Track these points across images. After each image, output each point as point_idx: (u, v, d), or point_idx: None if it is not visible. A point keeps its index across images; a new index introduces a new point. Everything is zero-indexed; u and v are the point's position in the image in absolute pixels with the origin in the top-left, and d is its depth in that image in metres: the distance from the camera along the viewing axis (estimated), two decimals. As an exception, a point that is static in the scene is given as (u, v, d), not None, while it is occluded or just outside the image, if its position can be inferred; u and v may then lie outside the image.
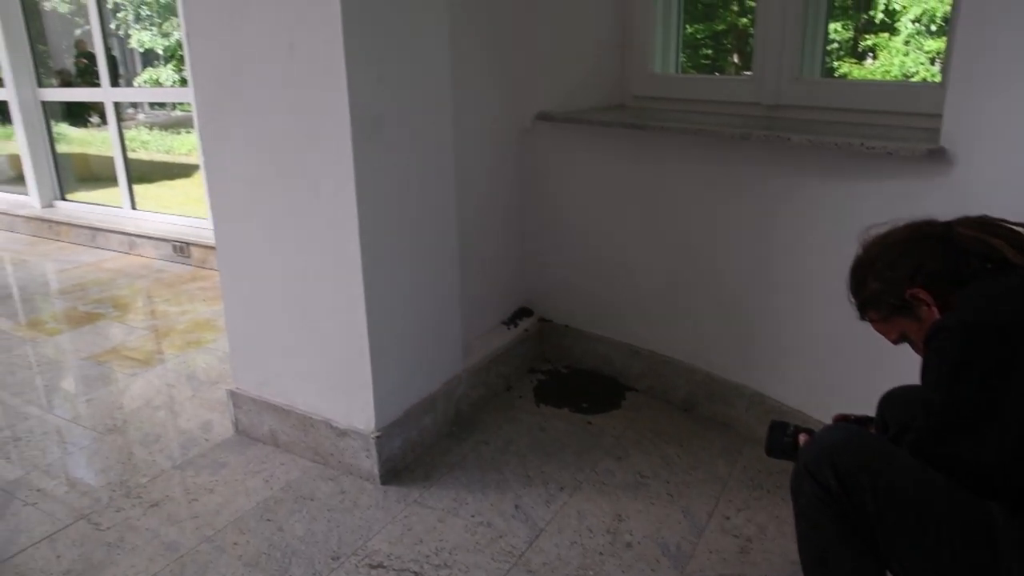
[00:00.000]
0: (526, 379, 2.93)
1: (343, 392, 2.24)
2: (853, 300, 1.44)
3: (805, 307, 2.24)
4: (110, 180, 5.41)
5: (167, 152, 7.32)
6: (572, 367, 3.01)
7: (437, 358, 2.47)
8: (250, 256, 2.31)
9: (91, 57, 5.28)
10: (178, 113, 7.12)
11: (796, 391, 2.33)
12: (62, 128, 6.03)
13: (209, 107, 2.23)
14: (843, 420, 1.60)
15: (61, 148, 5.89)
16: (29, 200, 5.81)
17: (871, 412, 1.63)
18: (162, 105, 7.75)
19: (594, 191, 2.77)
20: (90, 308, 3.91)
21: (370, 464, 2.23)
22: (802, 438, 1.51)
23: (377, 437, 2.21)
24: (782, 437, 1.55)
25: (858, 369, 2.07)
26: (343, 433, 2.26)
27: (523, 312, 3.04)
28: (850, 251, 1.45)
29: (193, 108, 4.55)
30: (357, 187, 1.97)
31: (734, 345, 2.50)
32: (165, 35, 8.20)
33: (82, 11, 6.45)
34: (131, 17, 7.80)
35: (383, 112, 2.04)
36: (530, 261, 3.01)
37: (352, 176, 1.95)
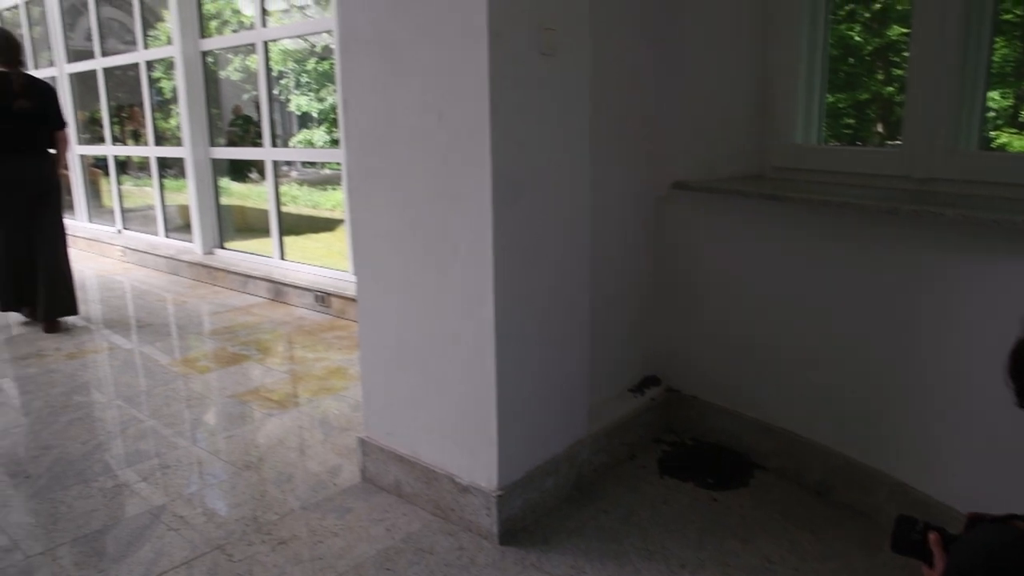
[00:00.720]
0: (650, 449, 2.87)
1: (468, 448, 2.27)
2: (1011, 385, 1.33)
3: (957, 393, 2.09)
4: (263, 231, 5.83)
5: (314, 207, 7.79)
6: (699, 440, 2.92)
7: (562, 421, 2.47)
8: (387, 309, 2.42)
9: (247, 120, 5.79)
10: (326, 171, 7.59)
11: (945, 484, 2.15)
12: (224, 182, 6.58)
13: (358, 167, 2.39)
14: (977, 519, 1.46)
15: (223, 200, 6.43)
16: (193, 247, 6.36)
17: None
18: (313, 164, 8.32)
19: (730, 262, 2.72)
20: (237, 350, 4.19)
21: (490, 522, 2.24)
22: (932, 536, 1.40)
23: (499, 496, 2.21)
24: (910, 533, 1.43)
25: (1018, 464, 1.90)
26: (465, 489, 2.29)
27: (650, 380, 2.99)
28: (1010, 334, 1.35)
29: (343, 167, 4.86)
30: (495, 249, 2.04)
31: (876, 429, 2.35)
32: (320, 100, 8.82)
33: (251, 79, 7.09)
34: (292, 84, 8.45)
35: (523, 178, 2.11)
36: (660, 329, 2.97)
37: (490, 238, 2.02)
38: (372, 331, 2.50)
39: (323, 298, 4.85)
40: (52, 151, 4.61)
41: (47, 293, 4.63)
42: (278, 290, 5.23)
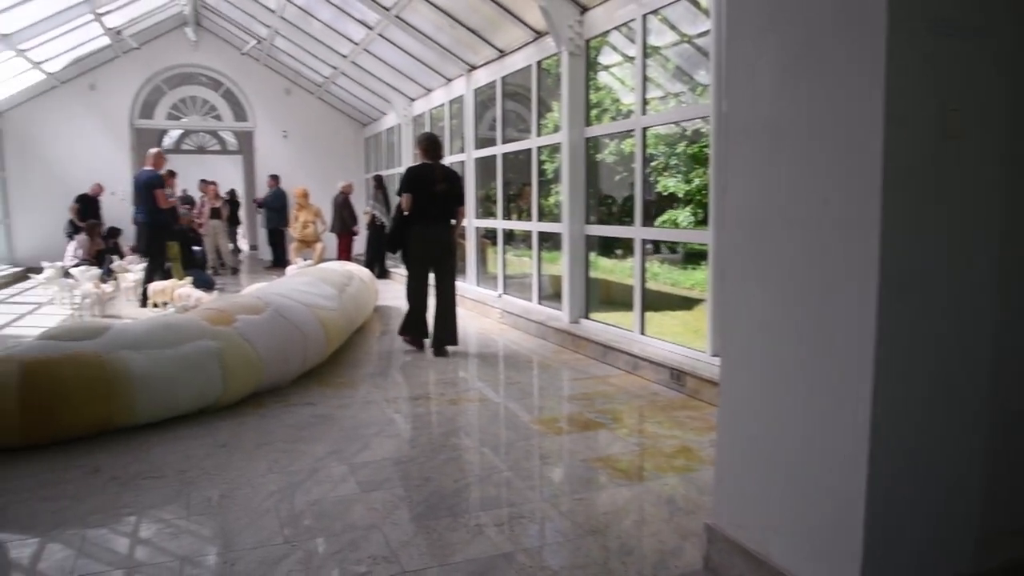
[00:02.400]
0: (1061, 605, 2.34)
1: (826, 558, 2.08)
2: None
3: None
4: (623, 305, 6.08)
5: (672, 284, 7.94)
6: None
7: (943, 548, 2.14)
8: (751, 398, 2.35)
9: (611, 200, 6.22)
10: (688, 250, 7.70)
11: None
12: (592, 256, 7.02)
13: (733, 250, 2.39)
14: None
15: (590, 274, 6.86)
16: (561, 315, 6.86)
17: None
18: (675, 243, 8.51)
19: None
20: (593, 416, 4.38)
21: (844, 646, 2.01)
22: None
23: (858, 619, 1.98)
24: None
25: None
26: (819, 602, 2.09)
27: (1065, 519, 2.46)
28: None
29: (709, 248, 4.89)
30: (876, 346, 1.88)
31: None
32: (688, 181, 9.05)
33: (622, 161, 7.55)
34: (662, 166, 8.81)
35: (916, 272, 1.93)
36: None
37: (872, 334, 1.87)
38: (732, 418, 2.45)
39: (678, 376, 4.86)
40: (452, 221, 6.14)
41: (440, 327, 6.09)
42: (635, 363, 5.37)
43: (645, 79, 5.83)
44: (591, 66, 6.83)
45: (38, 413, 3.74)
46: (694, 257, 7.50)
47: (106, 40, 12.66)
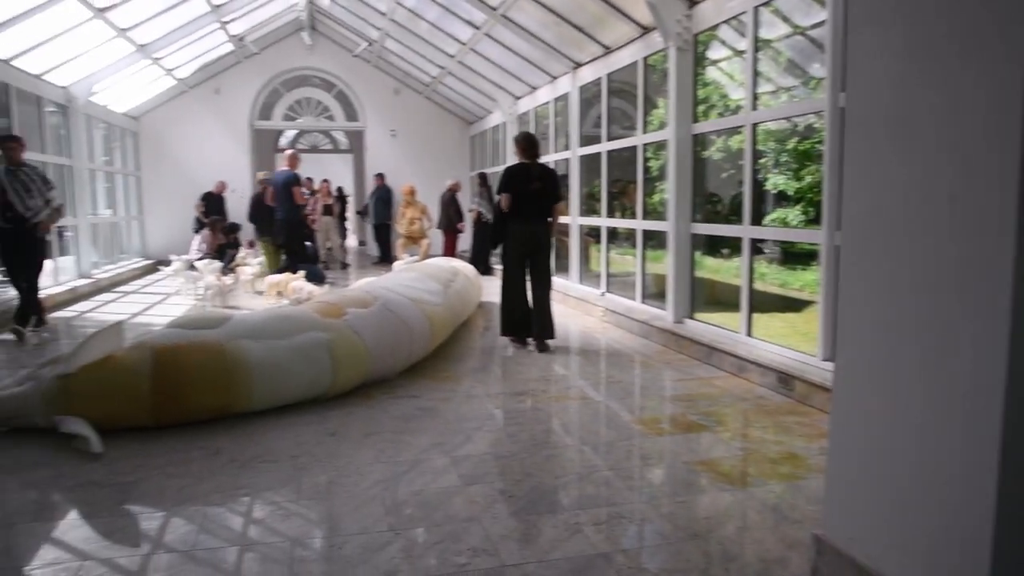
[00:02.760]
0: None
1: (947, 577, 1.96)
2: None
3: None
4: (728, 305, 5.92)
5: (780, 285, 7.67)
6: None
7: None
8: (868, 405, 2.24)
9: (717, 198, 6.08)
10: (796, 250, 7.42)
11: None
12: (696, 255, 6.86)
13: (849, 248, 2.29)
14: None
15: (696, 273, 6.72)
16: (664, 315, 6.75)
17: None
18: (781, 242, 8.20)
19: None
20: (696, 418, 4.29)
21: (967, 673, 1.89)
22: None
23: (982, 646, 1.86)
24: None
25: None
26: (938, 624, 1.97)
27: None
28: None
29: (822, 248, 4.70)
30: (1011, 351, 1.75)
31: None
32: (799, 178, 8.72)
33: (730, 158, 7.34)
34: (771, 163, 8.52)
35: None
36: None
37: (1006, 341, 1.75)
38: (846, 426, 2.34)
39: (786, 380, 4.69)
40: (549, 219, 6.25)
41: (539, 322, 6.21)
42: (741, 365, 5.22)
43: (756, 73, 5.65)
44: (699, 61, 6.68)
45: (167, 396, 4.00)
46: (803, 257, 7.23)
47: (229, 47, 13.38)
